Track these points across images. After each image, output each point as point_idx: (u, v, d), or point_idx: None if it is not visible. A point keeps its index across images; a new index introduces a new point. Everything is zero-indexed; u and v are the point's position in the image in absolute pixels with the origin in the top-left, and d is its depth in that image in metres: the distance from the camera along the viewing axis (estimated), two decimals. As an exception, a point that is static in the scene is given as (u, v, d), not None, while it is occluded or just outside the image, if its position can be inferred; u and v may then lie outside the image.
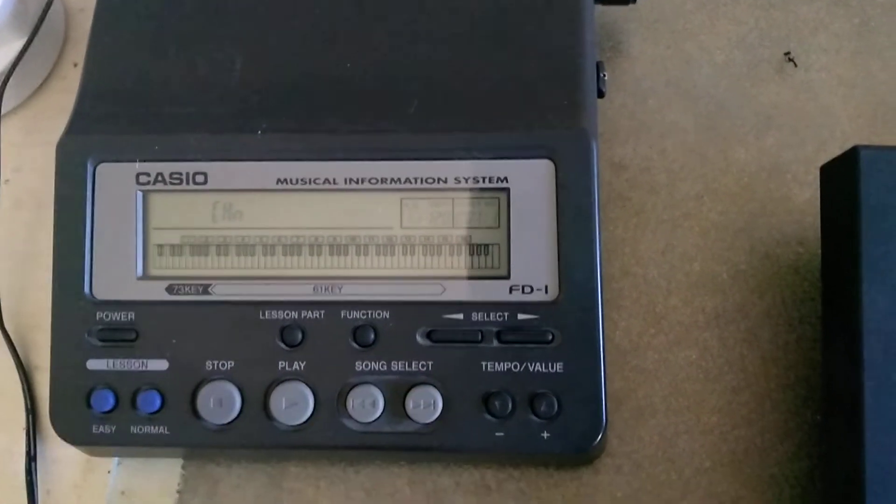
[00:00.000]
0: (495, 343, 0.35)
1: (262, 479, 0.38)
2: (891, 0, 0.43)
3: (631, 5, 0.41)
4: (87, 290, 0.36)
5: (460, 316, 0.35)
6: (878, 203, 0.33)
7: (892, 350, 0.32)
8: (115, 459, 0.39)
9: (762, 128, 0.41)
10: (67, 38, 0.46)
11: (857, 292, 0.32)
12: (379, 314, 0.35)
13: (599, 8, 0.41)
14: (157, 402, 0.35)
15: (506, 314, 0.35)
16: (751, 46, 0.43)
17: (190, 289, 0.36)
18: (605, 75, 0.39)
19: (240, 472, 0.38)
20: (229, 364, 0.35)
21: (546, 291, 0.35)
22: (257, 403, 0.35)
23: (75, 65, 0.45)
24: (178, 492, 0.38)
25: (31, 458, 0.38)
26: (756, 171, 0.41)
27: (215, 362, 0.35)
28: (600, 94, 0.38)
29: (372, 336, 0.35)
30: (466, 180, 0.35)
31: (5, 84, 0.42)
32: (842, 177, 0.34)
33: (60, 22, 0.46)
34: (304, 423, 0.35)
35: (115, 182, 0.36)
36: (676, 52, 0.43)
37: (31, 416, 0.39)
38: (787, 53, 0.43)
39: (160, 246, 0.36)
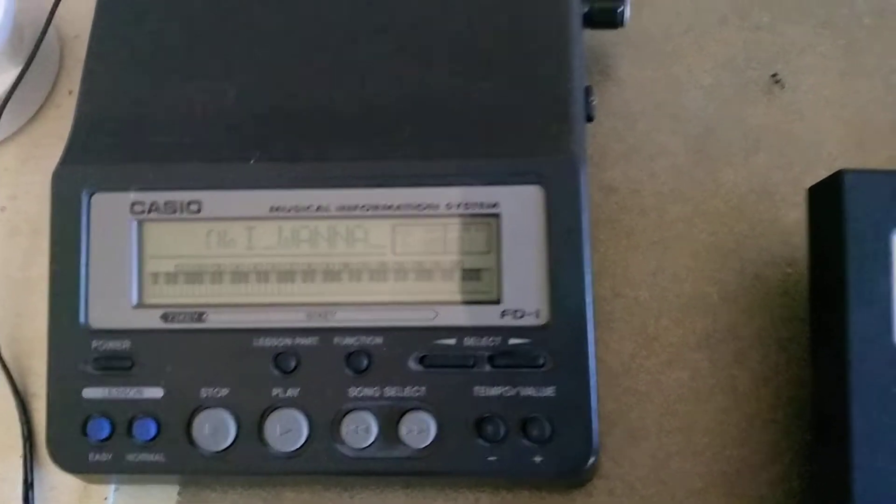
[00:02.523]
0: (487, 368, 0.35)
1: (257, 504, 0.38)
2: (877, 21, 0.44)
3: (619, 29, 0.42)
4: (82, 318, 0.36)
5: (453, 341, 0.35)
6: (863, 226, 0.33)
7: (879, 371, 0.32)
8: (112, 487, 0.39)
9: (751, 149, 0.42)
10: (62, 66, 0.46)
11: (843, 314, 0.33)
12: (372, 340, 0.35)
13: (588, 32, 0.42)
14: (153, 430, 0.35)
15: (498, 339, 0.35)
16: (738, 68, 0.43)
17: (184, 317, 0.36)
18: (594, 99, 0.39)
19: (235, 499, 0.38)
20: (224, 391, 0.35)
21: (537, 316, 0.35)
22: (252, 430, 0.35)
23: (70, 92, 0.46)
24: (175, 518, 0.38)
25: (28, 486, 0.39)
26: (745, 192, 0.41)
27: (210, 390, 0.35)
28: (589, 119, 0.39)
29: (365, 362, 0.35)
30: (458, 206, 0.36)
31: (1, 111, 0.42)
32: (828, 199, 0.35)
33: (55, 49, 0.46)
34: (299, 449, 0.35)
35: (110, 211, 0.36)
36: (665, 75, 0.43)
37: (28, 444, 0.39)
38: (775, 75, 0.43)
39: (155, 274, 0.36)
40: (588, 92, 0.39)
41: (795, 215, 0.41)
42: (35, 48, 0.43)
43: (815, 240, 0.36)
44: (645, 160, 0.42)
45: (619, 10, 0.41)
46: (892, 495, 0.32)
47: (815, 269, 0.36)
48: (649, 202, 0.41)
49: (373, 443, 0.35)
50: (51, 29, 0.45)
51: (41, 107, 0.45)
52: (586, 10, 0.40)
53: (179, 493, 0.38)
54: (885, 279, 0.33)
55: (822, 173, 0.36)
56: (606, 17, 0.41)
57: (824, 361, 0.35)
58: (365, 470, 0.35)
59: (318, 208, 0.36)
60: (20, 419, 0.40)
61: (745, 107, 0.43)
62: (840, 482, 0.32)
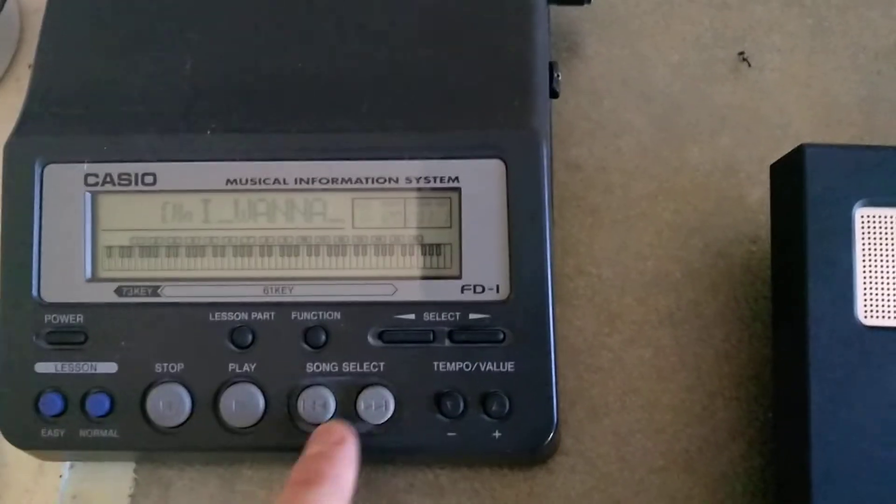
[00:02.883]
0: (447, 343, 0.35)
1: (214, 481, 0.38)
2: (844, 1, 0.43)
3: (585, 6, 0.42)
4: (34, 292, 0.35)
5: (412, 316, 0.35)
6: (823, 201, 0.33)
7: (838, 348, 0.32)
8: (68, 463, 0.38)
9: (716, 127, 0.42)
10: (22, 40, 0.46)
11: (803, 290, 0.33)
12: (330, 315, 0.35)
13: (554, 8, 0.41)
14: (107, 405, 0.35)
15: (457, 314, 0.35)
16: (705, 46, 0.43)
17: (139, 291, 0.35)
18: (558, 76, 0.39)
19: (192, 475, 0.38)
20: (179, 366, 0.35)
21: (497, 291, 0.35)
22: (207, 406, 0.35)
23: (30, 66, 0.45)
24: (131, 495, 0.38)
25: (-19, 463, 0.38)
26: (710, 170, 0.41)
27: (165, 364, 0.35)
28: (554, 95, 0.38)
29: (323, 337, 0.35)
30: (418, 180, 0.35)
31: (-43, 85, 0.42)
32: (789, 175, 0.34)
33: (15, 23, 0.45)
34: (255, 425, 0.35)
35: (63, 183, 0.36)
36: (631, 53, 0.43)
37: (-19, 421, 0.39)
38: (742, 53, 0.43)
39: (109, 247, 0.36)
40: (552, 68, 0.38)
41: (760, 193, 0.40)
42: (-7, 21, 0.43)
43: (777, 216, 0.36)
44: (610, 137, 0.42)
45: (584, -14, 0.41)
46: (850, 472, 0.32)
47: (776, 245, 0.36)
48: (615, 180, 0.41)
49: (330, 418, 0.34)
50: (10, 2, 0.44)
51: (0, 80, 0.45)
52: (552, -16, 0.40)
53: (136, 470, 0.38)
54: (846, 254, 0.33)
55: (787, 151, 0.35)
56: (572, -7, 0.41)
57: (785, 337, 0.35)
58: (322, 446, 0.35)
59: (276, 181, 0.35)
60: (-26, 396, 0.39)
61: (711, 85, 0.42)
62: (799, 459, 0.32)
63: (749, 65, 0.43)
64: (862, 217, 0.33)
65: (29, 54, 0.45)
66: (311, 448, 0.33)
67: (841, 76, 0.42)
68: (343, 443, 0.33)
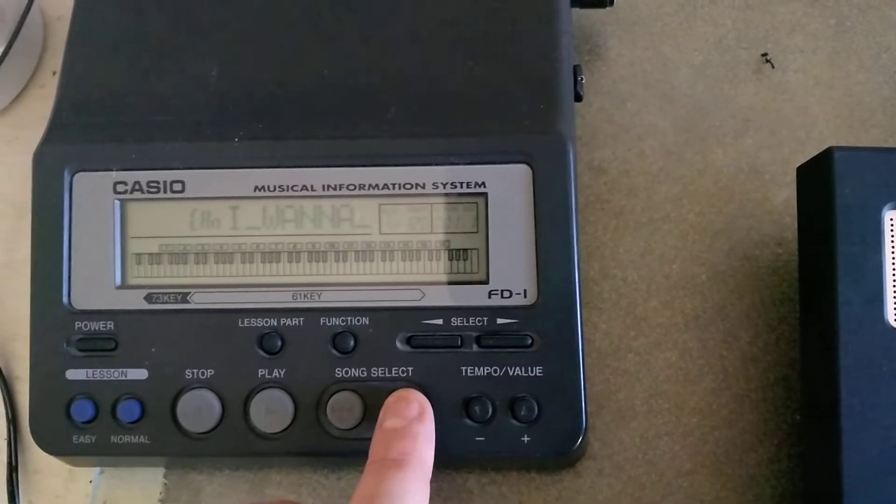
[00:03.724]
0: (475, 348, 0.35)
1: (243, 486, 0.38)
2: (866, 1, 0.43)
3: (608, 8, 0.42)
4: (65, 299, 0.36)
5: (440, 321, 0.35)
6: (852, 203, 0.33)
7: (868, 350, 0.32)
8: (97, 469, 0.39)
9: (740, 129, 0.42)
10: (46, 47, 0.46)
11: (832, 292, 0.33)
12: (358, 320, 0.35)
13: (577, 11, 0.41)
14: (137, 412, 0.35)
15: (485, 319, 0.35)
16: (728, 48, 0.43)
17: (169, 297, 0.36)
18: (582, 79, 0.39)
19: (222, 480, 0.38)
20: (209, 372, 0.35)
21: (525, 295, 0.35)
22: (237, 411, 0.35)
23: (54, 73, 0.45)
24: (161, 500, 0.38)
25: (12, 469, 0.38)
26: (734, 172, 0.41)
27: (195, 371, 0.35)
28: (578, 98, 0.38)
29: (351, 342, 0.35)
30: (444, 185, 0.36)
31: (-17, 93, 0.42)
32: (817, 178, 0.34)
33: (38, 30, 0.46)
34: (284, 430, 0.35)
35: (92, 191, 0.36)
36: (654, 55, 0.43)
37: (12, 427, 0.39)
38: (765, 54, 0.43)
39: (138, 255, 0.36)
40: (576, 71, 0.38)
41: (785, 195, 0.40)
42: (17, 28, 0.43)
43: (804, 218, 0.36)
44: (634, 140, 0.42)
45: (607, -11, 0.41)
46: (881, 475, 0.32)
47: (804, 248, 0.36)
48: (638, 182, 0.41)
49: (359, 423, 0.35)
50: (34, 9, 0.45)
51: (25, 87, 0.45)
52: (575, -12, 0.40)
53: (165, 476, 0.38)
54: (874, 257, 0.33)
55: (812, 153, 0.35)
56: (595, -4, 0.41)
57: (814, 341, 0.35)
58: (351, 451, 0.35)
59: (303, 187, 0.36)
60: (4, 402, 0.39)
61: (734, 86, 0.42)
62: (829, 462, 0.32)
63: (772, 66, 0.43)
64: (891, 219, 0.33)
65: (52, 61, 0.46)
66: (389, 421, 0.33)
67: (864, 77, 0.42)
68: (423, 418, 0.33)
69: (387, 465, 0.31)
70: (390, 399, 0.34)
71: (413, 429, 0.32)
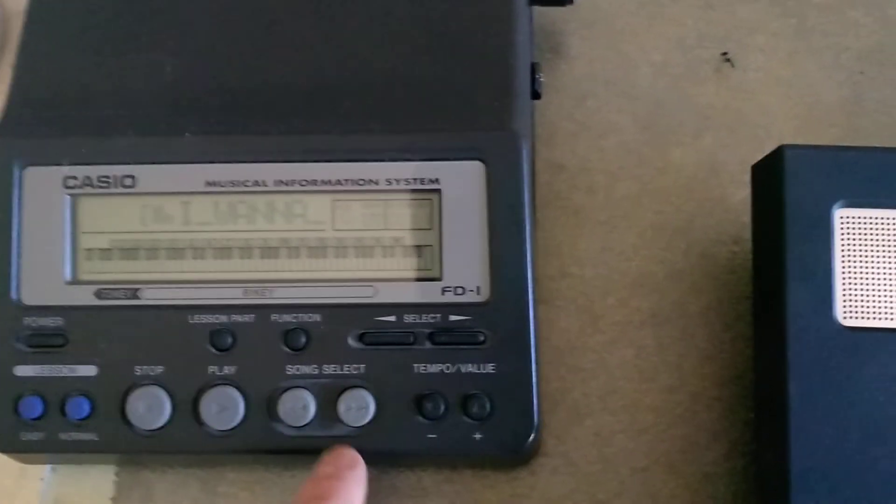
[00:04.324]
0: (427, 345, 0.35)
1: (196, 484, 0.37)
2: (827, 1, 0.43)
3: (569, 6, 0.41)
4: (14, 295, 0.35)
5: (392, 318, 0.35)
6: (802, 202, 0.33)
7: (817, 349, 0.32)
8: (49, 466, 0.38)
9: (700, 128, 0.42)
10: (5, 42, 0.45)
11: (782, 291, 0.33)
12: (310, 317, 0.35)
13: (538, 9, 0.41)
14: (87, 409, 0.35)
15: (438, 316, 0.35)
16: (689, 47, 0.43)
17: (119, 293, 0.35)
18: (541, 76, 0.39)
19: (174, 478, 0.38)
20: (159, 369, 0.35)
21: (478, 292, 0.35)
22: (187, 408, 0.35)
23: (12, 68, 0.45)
24: (112, 499, 0.37)
25: (-38, 466, 0.38)
26: (693, 171, 0.41)
27: (145, 367, 0.35)
28: (536, 96, 0.38)
29: (303, 339, 0.35)
30: (398, 181, 0.35)
31: (-62, 87, 0.41)
32: (769, 176, 0.34)
33: (-2, 24, 0.45)
34: (236, 427, 0.35)
35: (42, 186, 0.36)
36: (615, 53, 0.43)
37: (-37, 424, 0.38)
38: (725, 54, 0.43)
39: (89, 250, 0.36)
40: (535, 69, 0.38)
41: (742, 194, 0.40)
42: (-26, 22, 0.42)
43: (757, 216, 0.36)
44: (594, 138, 0.42)
45: (567, -14, 0.40)
46: (829, 473, 0.32)
47: (757, 245, 0.36)
48: (598, 180, 0.41)
49: (311, 421, 0.34)
50: (-8, 3, 0.44)
51: (-18, 82, 0.45)
52: (533, -15, 0.40)
53: (117, 473, 0.38)
54: (825, 255, 0.33)
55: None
56: (555, -7, 0.41)
57: (765, 338, 0.35)
58: (303, 448, 0.35)
59: (256, 182, 0.35)
60: (-45, 399, 0.39)
61: (695, 85, 0.42)
62: (778, 460, 0.32)
63: (732, 65, 0.43)
64: (841, 218, 0.33)
65: (11, 56, 0.45)
66: (322, 469, 0.33)
67: (824, 76, 0.42)
68: (354, 467, 0.33)
69: (313, 499, 0.31)
70: (324, 453, 0.34)
71: (343, 473, 0.33)
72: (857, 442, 0.32)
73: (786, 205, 0.33)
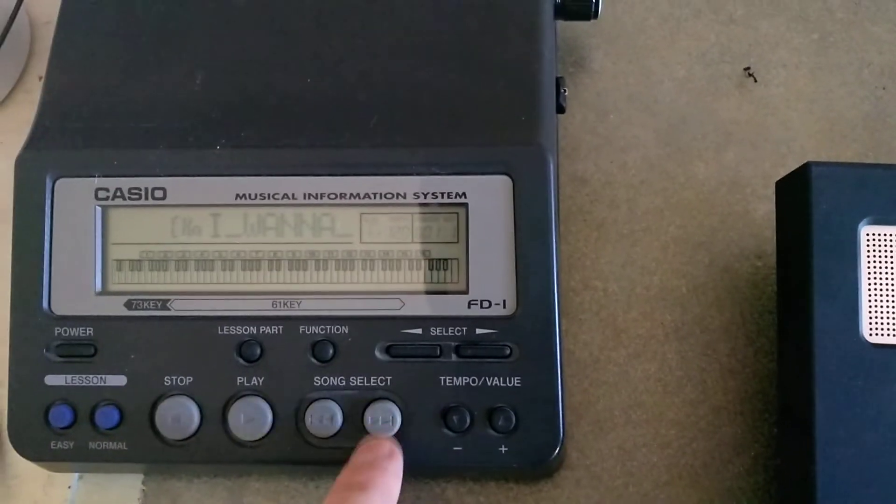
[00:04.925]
0: (454, 357, 0.35)
1: (222, 494, 0.38)
2: (850, 16, 0.44)
3: (593, 21, 0.42)
4: (45, 305, 0.36)
5: (419, 331, 0.35)
6: (829, 218, 0.33)
7: (842, 364, 0.32)
8: (76, 475, 0.39)
9: (722, 143, 0.42)
10: (33, 52, 0.46)
11: (808, 306, 0.33)
12: (338, 329, 0.35)
13: (561, 23, 0.42)
14: (116, 418, 0.35)
15: (464, 329, 0.35)
16: (711, 62, 0.43)
17: (149, 304, 0.36)
18: (565, 91, 0.39)
19: (200, 487, 0.38)
20: (188, 379, 0.35)
21: (504, 306, 0.35)
22: (216, 419, 0.35)
23: (40, 78, 0.45)
24: (139, 507, 0.38)
25: (-10, 474, 0.38)
26: (716, 185, 0.41)
27: (174, 378, 0.35)
28: (561, 110, 0.39)
29: (331, 351, 0.35)
30: (425, 195, 0.36)
31: (-32, 98, 0.42)
32: (795, 192, 0.35)
33: (26, 35, 0.46)
34: (263, 438, 0.35)
35: (73, 197, 0.36)
36: (638, 68, 0.43)
37: (-9, 432, 0.39)
38: (748, 69, 0.43)
39: (119, 261, 0.36)
40: (559, 83, 0.39)
41: (765, 209, 0.41)
42: (4, 33, 0.43)
43: (782, 232, 0.36)
44: (617, 152, 0.42)
45: (592, 2, 0.41)
46: (854, 489, 0.32)
47: (782, 261, 0.36)
48: (620, 194, 0.41)
49: (338, 432, 0.35)
50: (21, 14, 0.45)
51: (11, 92, 0.45)
52: (558, 0, 0.40)
53: (144, 482, 0.38)
54: (851, 272, 0.33)
55: (793, 167, 0.36)
56: (579, 9, 0.41)
57: (790, 354, 0.35)
58: (330, 459, 0.35)
59: (285, 196, 0.36)
60: (-17, 407, 0.39)
61: (717, 100, 0.43)
62: (804, 475, 0.32)
63: (755, 80, 0.43)
64: (867, 235, 0.33)
65: (39, 66, 0.46)
66: (360, 457, 0.33)
67: (846, 92, 0.42)
68: (392, 457, 0.33)
69: (351, 487, 0.31)
70: (362, 441, 0.34)
71: (381, 463, 0.33)
72: (883, 458, 0.32)
73: (812, 221, 0.33)
